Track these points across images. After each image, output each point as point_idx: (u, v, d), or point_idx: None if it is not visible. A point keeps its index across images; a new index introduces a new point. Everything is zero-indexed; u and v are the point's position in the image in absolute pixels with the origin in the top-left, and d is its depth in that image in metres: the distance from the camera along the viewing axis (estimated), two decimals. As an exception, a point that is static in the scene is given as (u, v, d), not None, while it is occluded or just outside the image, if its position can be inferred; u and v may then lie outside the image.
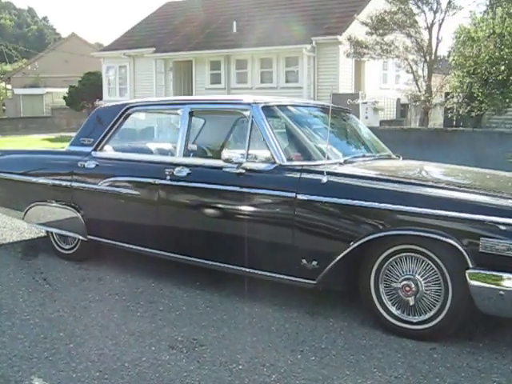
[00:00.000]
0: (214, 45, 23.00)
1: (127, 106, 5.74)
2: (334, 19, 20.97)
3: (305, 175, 4.47)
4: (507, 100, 14.09)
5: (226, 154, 4.73)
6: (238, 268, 4.75)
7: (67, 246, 6.12)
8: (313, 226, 4.38)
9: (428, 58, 15.99)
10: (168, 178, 5.08)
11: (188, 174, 4.99)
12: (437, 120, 19.53)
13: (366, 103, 15.96)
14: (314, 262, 4.33)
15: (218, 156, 5.11)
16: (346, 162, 4.79)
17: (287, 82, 21.50)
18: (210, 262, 4.92)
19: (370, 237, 4.10)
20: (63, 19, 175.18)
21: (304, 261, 4.37)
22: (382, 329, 4.22)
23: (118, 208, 5.54)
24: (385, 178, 4.41)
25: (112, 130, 5.76)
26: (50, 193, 6.03)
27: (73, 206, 5.82)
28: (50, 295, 5.01)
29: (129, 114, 5.75)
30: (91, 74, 30.57)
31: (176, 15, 27.25)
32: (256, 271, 4.65)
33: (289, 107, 5.29)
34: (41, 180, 6.10)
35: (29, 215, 6.25)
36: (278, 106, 5.08)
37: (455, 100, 15.42)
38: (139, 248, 5.41)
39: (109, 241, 5.64)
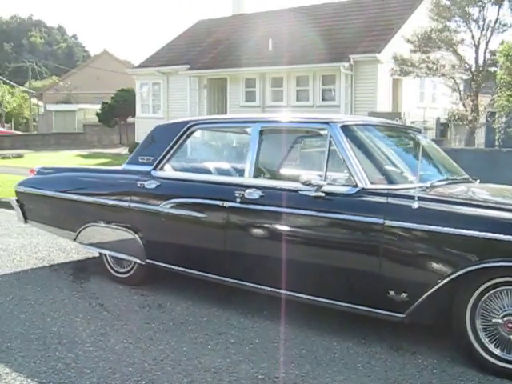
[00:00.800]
0: (249, 62, 22.75)
1: (190, 124, 5.45)
2: (372, 37, 20.61)
3: (392, 200, 4.13)
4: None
5: (304, 176, 4.40)
6: (315, 299, 4.42)
7: (122, 270, 5.84)
8: (403, 255, 4.04)
9: (475, 76, 15.60)
10: (238, 200, 4.77)
11: (261, 196, 4.68)
12: (478, 140, 19.07)
13: (414, 122, 15.56)
14: (404, 295, 3.99)
15: (291, 178, 4.80)
16: (432, 186, 4.44)
17: (323, 100, 21.13)
18: (284, 292, 4.58)
19: (469, 268, 3.74)
20: (92, 37, 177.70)
21: (392, 292, 4.03)
22: (477, 367, 3.86)
23: (182, 231, 5.25)
24: (481, 204, 4.07)
25: (174, 149, 5.46)
26: (105, 213, 5.76)
27: (131, 227, 5.54)
28: (110, 323, 4.71)
29: (192, 132, 5.47)
30: (124, 90, 30.64)
31: (210, 33, 27.13)
32: (337, 303, 4.31)
33: (366, 127, 4.96)
34: (96, 200, 5.83)
35: (82, 236, 5.99)
36: (356, 125, 4.76)
37: (503, 119, 15.01)
38: (203, 274, 5.10)
39: (170, 266, 5.33)
